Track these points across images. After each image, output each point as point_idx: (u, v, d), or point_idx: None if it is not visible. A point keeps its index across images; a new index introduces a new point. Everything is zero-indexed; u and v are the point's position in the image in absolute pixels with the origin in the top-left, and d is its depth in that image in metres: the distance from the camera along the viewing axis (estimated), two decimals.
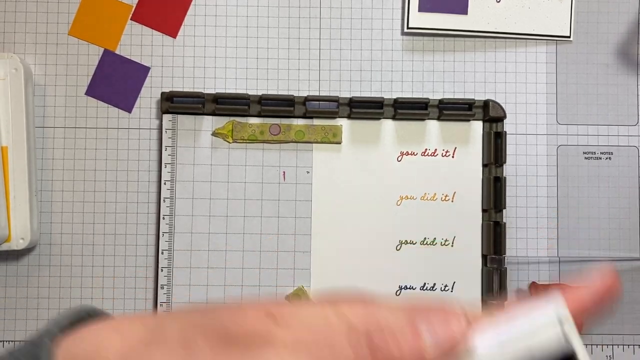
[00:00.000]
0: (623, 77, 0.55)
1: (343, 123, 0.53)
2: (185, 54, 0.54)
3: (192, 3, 0.54)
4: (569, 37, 0.55)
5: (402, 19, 0.55)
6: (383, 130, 0.53)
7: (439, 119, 0.53)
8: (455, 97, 0.54)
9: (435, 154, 0.53)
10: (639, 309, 0.54)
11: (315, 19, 0.54)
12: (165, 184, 0.52)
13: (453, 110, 0.53)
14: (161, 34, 0.54)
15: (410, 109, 0.52)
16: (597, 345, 0.53)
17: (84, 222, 0.53)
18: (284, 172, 0.53)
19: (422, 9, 0.54)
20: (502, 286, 0.51)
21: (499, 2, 0.54)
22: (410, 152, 0.53)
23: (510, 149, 0.54)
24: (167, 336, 0.24)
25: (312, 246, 0.53)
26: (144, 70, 0.54)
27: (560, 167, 0.54)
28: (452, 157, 0.53)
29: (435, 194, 0.53)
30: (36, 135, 0.53)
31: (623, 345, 0.54)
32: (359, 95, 0.54)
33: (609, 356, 0.53)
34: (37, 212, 0.52)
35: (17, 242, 0.50)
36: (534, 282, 0.53)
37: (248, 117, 0.53)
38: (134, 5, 0.54)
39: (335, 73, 0.54)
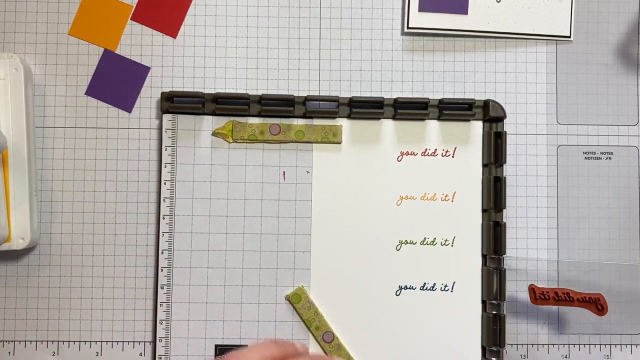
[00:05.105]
0: (623, 77, 0.55)
1: (343, 123, 0.53)
2: (185, 54, 0.54)
3: (192, 3, 0.54)
4: (569, 37, 0.55)
5: (402, 19, 0.55)
6: (383, 130, 0.53)
7: (439, 119, 0.53)
8: (455, 97, 0.54)
9: (435, 154, 0.53)
10: (636, 308, 0.54)
11: (315, 19, 0.54)
12: (165, 184, 0.52)
13: (453, 110, 0.53)
14: (161, 34, 0.54)
15: (410, 109, 0.52)
16: (595, 345, 0.53)
17: (84, 222, 0.53)
18: (284, 172, 0.53)
19: (422, 9, 0.54)
20: (501, 286, 0.51)
21: (499, 2, 0.54)
22: (410, 152, 0.53)
23: (510, 149, 0.54)
24: None
25: (312, 246, 0.53)
26: (144, 70, 0.54)
27: (560, 167, 0.54)
28: (452, 157, 0.53)
29: (435, 194, 0.53)
30: (36, 135, 0.53)
31: (621, 345, 0.54)
32: (359, 95, 0.54)
33: (607, 356, 0.53)
34: (37, 212, 0.52)
35: (17, 242, 0.50)
36: (532, 285, 0.52)
37: (248, 117, 0.53)
38: (134, 5, 0.54)
39: (335, 73, 0.54)
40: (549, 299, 0.51)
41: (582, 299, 0.51)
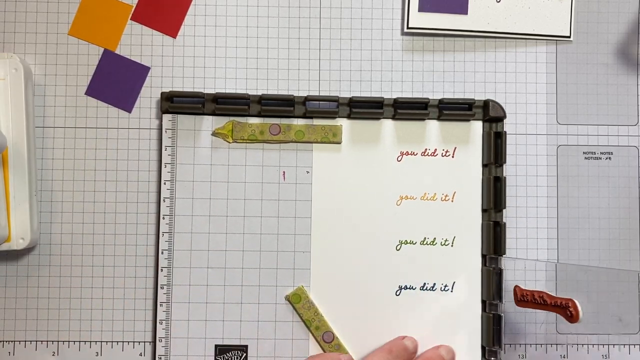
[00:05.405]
0: (623, 77, 0.55)
1: (343, 123, 0.53)
2: (185, 54, 0.54)
3: (192, 3, 0.54)
4: (569, 37, 0.55)
5: (402, 19, 0.55)
6: (383, 130, 0.53)
7: (439, 119, 0.53)
8: (455, 97, 0.54)
9: (435, 154, 0.53)
10: (634, 308, 0.54)
11: (315, 19, 0.54)
12: (165, 184, 0.52)
13: (453, 110, 0.53)
14: (161, 34, 0.54)
15: (410, 109, 0.52)
16: (593, 345, 0.54)
17: (84, 222, 0.53)
18: (283, 172, 0.53)
19: (422, 9, 0.54)
20: (501, 286, 0.51)
21: (499, 2, 0.54)
22: (410, 152, 0.53)
23: (510, 149, 0.54)
24: None
25: (312, 246, 0.53)
26: (144, 70, 0.54)
27: (560, 167, 0.54)
28: (452, 157, 0.53)
29: (435, 194, 0.53)
30: (36, 135, 0.53)
31: (619, 344, 0.54)
32: (359, 95, 0.54)
33: (605, 355, 0.53)
34: (37, 212, 0.52)
35: (17, 242, 0.50)
36: (516, 286, 0.51)
37: (248, 117, 0.53)
38: (134, 5, 0.54)
39: (335, 73, 0.54)
40: (528, 301, 0.49)
41: (554, 304, 0.47)
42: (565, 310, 0.46)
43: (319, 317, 0.52)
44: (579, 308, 0.46)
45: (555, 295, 0.47)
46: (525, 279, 0.54)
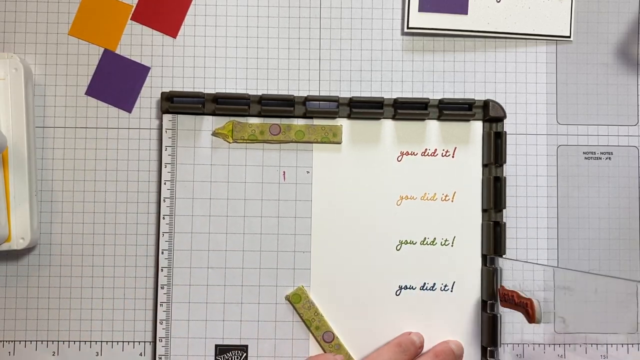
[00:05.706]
0: (623, 77, 0.55)
1: (343, 123, 0.53)
2: (185, 54, 0.54)
3: (192, 3, 0.54)
4: (569, 37, 0.55)
5: (402, 19, 0.55)
6: (383, 130, 0.53)
7: (439, 119, 0.53)
8: (455, 97, 0.54)
9: (435, 154, 0.53)
10: (632, 308, 0.54)
11: (315, 19, 0.54)
12: (165, 184, 0.52)
13: (453, 110, 0.53)
14: (161, 34, 0.54)
15: (410, 109, 0.52)
16: (591, 344, 0.54)
17: (84, 222, 0.53)
18: (284, 172, 0.53)
19: (422, 9, 0.54)
20: (496, 286, 0.52)
21: (499, 2, 0.54)
22: (410, 152, 0.53)
23: (510, 149, 0.54)
24: None
25: (312, 246, 0.53)
26: (144, 70, 0.54)
27: (560, 167, 0.55)
28: (452, 157, 0.53)
29: (435, 194, 0.53)
30: (36, 135, 0.53)
31: (617, 344, 0.54)
32: (359, 95, 0.54)
33: (603, 355, 0.54)
34: (37, 212, 0.52)
35: (17, 242, 0.50)
36: (502, 286, 0.51)
37: (248, 117, 0.53)
38: (134, 5, 0.54)
39: (335, 73, 0.54)
40: (506, 300, 0.49)
41: (520, 303, 0.47)
42: (525, 309, 0.46)
43: (319, 317, 0.52)
44: (536, 309, 0.46)
45: (523, 295, 0.47)
46: (523, 279, 0.54)
